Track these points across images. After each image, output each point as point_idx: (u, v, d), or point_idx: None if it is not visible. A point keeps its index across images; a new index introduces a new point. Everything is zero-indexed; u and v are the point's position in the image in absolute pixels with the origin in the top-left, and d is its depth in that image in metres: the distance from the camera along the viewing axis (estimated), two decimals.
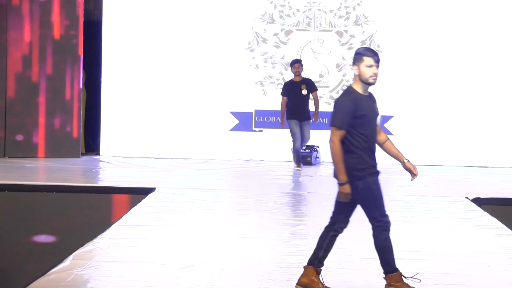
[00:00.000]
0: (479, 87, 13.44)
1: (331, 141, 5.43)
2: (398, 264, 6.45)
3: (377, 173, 5.59)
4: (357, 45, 13.59)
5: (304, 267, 5.67)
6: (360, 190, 5.50)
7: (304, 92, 12.11)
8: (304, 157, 12.67)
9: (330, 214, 5.74)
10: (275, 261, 6.52)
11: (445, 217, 8.75)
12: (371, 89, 5.57)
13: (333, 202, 5.76)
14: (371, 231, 5.68)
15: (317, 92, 12.49)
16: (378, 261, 6.25)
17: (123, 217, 8.34)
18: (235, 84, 13.67)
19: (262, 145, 13.65)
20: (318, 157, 13.03)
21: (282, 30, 13.69)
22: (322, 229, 5.77)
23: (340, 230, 5.73)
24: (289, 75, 13.52)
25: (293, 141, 12.27)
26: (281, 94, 12.40)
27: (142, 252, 6.81)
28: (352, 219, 8.67)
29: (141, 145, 13.62)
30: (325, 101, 13.35)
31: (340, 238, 7.50)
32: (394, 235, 7.83)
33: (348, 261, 6.55)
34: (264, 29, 13.69)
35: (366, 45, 13.58)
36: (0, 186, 9.96)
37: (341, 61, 13.64)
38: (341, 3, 13.62)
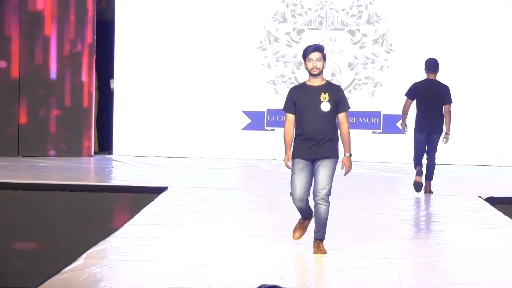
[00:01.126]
0: (492, 85, 13.38)
1: None
2: (414, 265, 6.45)
3: None
4: (369, 44, 13.57)
5: None
6: None
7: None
8: None
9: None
10: (287, 260, 6.52)
11: (458, 216, 8.72)
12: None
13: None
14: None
15: None
16: (388, 261, 6.26)
17: (135, 216, 8.35)
18: (247, 83, 13.66)
19: (274, 144, 13.63)
20: None
21: (294, 29, 13.68)
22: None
23: None
24: (302, 75, 13.51)
25: None
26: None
27: (154, 251, 6.81)
28: (361, 217, 8.62)
29: (154, 144, 13.63)
30: None
31: (351, 237, 7.48)
32: (407, 234, 7.83)
33: (360, 260, 6.54)
34: (276, 28, 13.68)
35: (378, 44, 13.56)
36: (13, 185, 9.99)
37: (353, 60, 13.61)
38: (353, 1, 13.59)
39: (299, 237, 7.01)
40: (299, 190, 6.66)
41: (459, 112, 13.35)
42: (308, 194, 6.74)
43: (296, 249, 6.95)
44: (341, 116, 6.74)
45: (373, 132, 13.56)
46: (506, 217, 8.60)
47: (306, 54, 6.73)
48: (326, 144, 6.64)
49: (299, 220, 7.03)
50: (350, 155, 6.74)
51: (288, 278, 5.95)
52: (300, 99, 6.72)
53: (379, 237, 7.51)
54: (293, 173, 6.79)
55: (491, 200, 9.60)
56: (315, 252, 6.63)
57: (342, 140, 6.77)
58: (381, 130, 13.55)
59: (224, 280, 5.86)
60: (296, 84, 13.37)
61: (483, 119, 13.38)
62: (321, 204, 6.60)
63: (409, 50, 13.52)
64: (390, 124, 13.55)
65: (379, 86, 13.54)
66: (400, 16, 13.52)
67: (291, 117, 6.83)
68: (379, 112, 13.52)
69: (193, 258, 6.51)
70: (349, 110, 6.76)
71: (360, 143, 13.48)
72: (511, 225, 8.19)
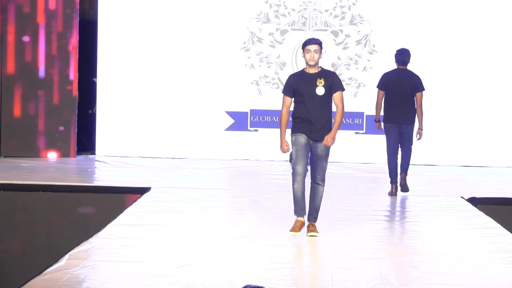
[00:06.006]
0: (475, 86, 13.45)
1: None
2: (396, 265, 6.47)
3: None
4: (352, 45, 13.60)
5: None
6: None
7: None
8: None
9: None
10: (270, 261, 6.52)
11: (440, 217, 8.76)
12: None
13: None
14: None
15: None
16: (371, 261, 6.27)
17: (118, 217, 8.34)
18: (230, 83, 13.66)
19: (257, 145, 13.65)
20: None
21: (277, 29, 13.69)
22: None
23: None
24: (285, 75, 13.52)
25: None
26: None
27: (137, 252, 6.80)
28: (344, 217, 8.64)
29: (137, 145, 13.61)
30: None
31: (334, 238, 7.51)
32: (390, 234, 7.86)
33: (343, 261, 6.55)
34: (260, 29, 13.69)
35: (361, 45, 13.59)
36: None
37: (336, 61, 13.63)
38: (336, 2, 13.61)
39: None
40: (302, 167, 7.36)
41: (441, 112, 13.42)
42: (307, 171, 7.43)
43: (279, 249, 6.95)
44: (336, 96, 7.34)
45: (356, 133, 13.59)
46: (488, 217, 8.65)
47: (305, 44, 7.43)
48: (323, 129, 7.29)
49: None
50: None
51: (270, 278, 5.95)
52: (298, 85, 7.32)
53: (362, 237, 7.53)
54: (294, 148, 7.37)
55: (473, 201, 9.66)
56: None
57: (334, 118, 7.34)
58: (364, 131, 13.59)
59: (207, 280, 5.86)
60: (279, 84, 13.42)
61: (465, 119, 13.45)
62: (320, 184, 7.43)
63: (392, 51, 13.44)
64: (373, 125, 13.57)
65: (362, 87, 13.58)
66: (383, 17, 13.56)
67: (288, 101, 7.40)
68: (362, 113, 13.55)
69: (176, 258, 6.51)
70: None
71: (343, 144, 13.52)
72: (493, 226, 8.24)
